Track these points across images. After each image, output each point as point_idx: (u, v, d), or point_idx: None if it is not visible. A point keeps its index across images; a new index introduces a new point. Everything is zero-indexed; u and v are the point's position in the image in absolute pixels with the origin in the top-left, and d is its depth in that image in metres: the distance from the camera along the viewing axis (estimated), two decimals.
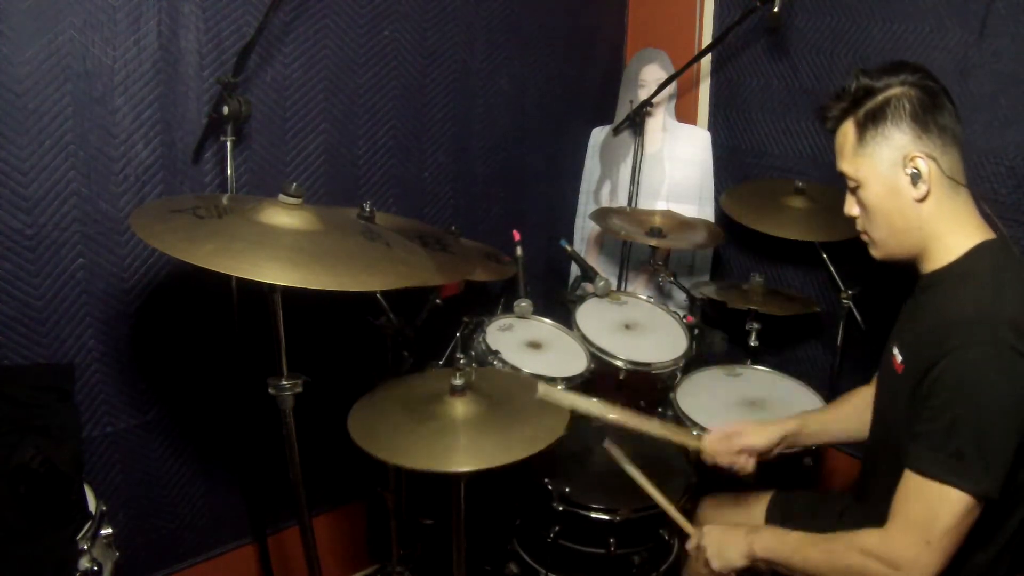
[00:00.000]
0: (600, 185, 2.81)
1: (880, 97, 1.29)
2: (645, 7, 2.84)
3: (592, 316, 2.22)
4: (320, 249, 1.33)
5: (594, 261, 2.78)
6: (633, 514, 1.77)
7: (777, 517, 1.67)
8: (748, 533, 1.43)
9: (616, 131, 2.69)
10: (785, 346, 2.53)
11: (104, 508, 1.51)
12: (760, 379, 2.19)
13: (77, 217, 1.76)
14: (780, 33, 2.38)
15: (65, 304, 1.79)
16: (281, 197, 1.38)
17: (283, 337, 1.42)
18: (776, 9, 2.08)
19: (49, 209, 1.72)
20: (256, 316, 1.58)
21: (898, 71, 1.30)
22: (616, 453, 1.64)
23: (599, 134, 2.85)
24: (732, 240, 2.56)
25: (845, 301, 2.19)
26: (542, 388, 1.56)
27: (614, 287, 2.49)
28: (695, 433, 1.71)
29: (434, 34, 2.30)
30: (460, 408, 1.53)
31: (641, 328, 2.22)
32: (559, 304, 2.39)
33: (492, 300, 2.35)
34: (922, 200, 1.29)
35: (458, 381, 1.53)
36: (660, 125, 2.65)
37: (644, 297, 2.39)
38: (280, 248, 1.29)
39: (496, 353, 1.96)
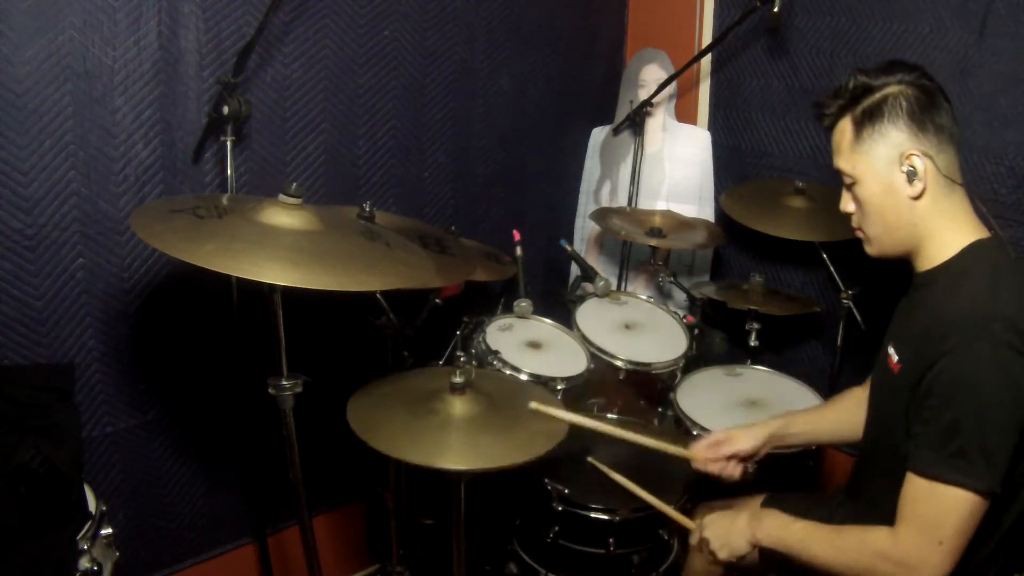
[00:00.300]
0: (600, 185, 2.81)
1: (878, 95, 1.30)
2: (645, 7, 2.84)
3: (592, 316, 2.22)
4: (320, 249, 1.33)
5: (594, 261, 2.78)
6: (632, 514, 1.77)
7: None
8: (751, 519, 1.43)
9: (616, 131, 2.69)
10: (785, 346, 2.53)
11: (104, 508, 1.51)
12: (760, 379, 2.19)
13: (77, 217, 1.76)
14: (780, 33, 2.38)
15: (65, 304, 1.79)
16: (281, 197, 1.38)
17: (283, 337, 1.42)
18: (776, 9, 2.08)
19: (49, 209, 1.72)
20: (256, 316, 1.58)
21: (895, 70, 1.31)
22: (603, 468, 1.65)
23: (599, 134, 2.85)
24: (732, 240, 2.56)
25: (845, 301, 2.19)
26: (535, 402, 1.59)
27: (614, 287, 2.49)
28: (691, 436, 1.71)
29: (434, 34, 2.30)
30: (459, 407, 1.53)
31: (641, 328, 2.22)
32: (559, 304, 2.39)
33: (492, 300, 2.35)
34: (917, 198, 1.29)
35: (458, 379, 1.53)
36: (660, 125, 2.65)
37: (644, 297, 2.39)
38: (280, 248, 1.29)
39: (496, 353, 1.96)
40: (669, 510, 1.62)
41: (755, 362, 2.26)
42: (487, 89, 2.50)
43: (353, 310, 2.02)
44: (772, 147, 2.51)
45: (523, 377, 1.92)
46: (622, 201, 2.64)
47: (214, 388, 2.04)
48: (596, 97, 2.85)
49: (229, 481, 2.17)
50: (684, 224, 2.43)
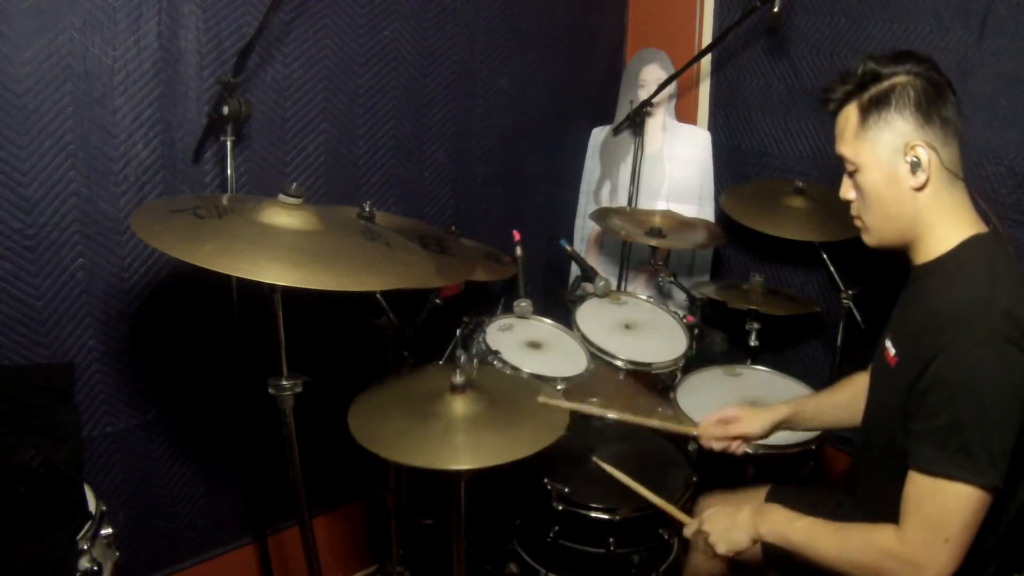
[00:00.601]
0: (600, 185, 2.81)
1: (886, 83, 1.30)
2: (645, 7, 2.83)
3: (592, 316, 2.22)
4: (320, 249, 1.33)
5: (594, 261, 2.78)
6: (633, 513, 1.77)
7: None
8: (754, 514, 1.42)
9: (616, 131, 2.69)
10: (785, 346, 2.53)
11: (104, 508, 1.51)
12: (760, 379, 2.19)
13: (77, 217, 1.76)
14: (780, 33, 2.38)
15: (65, 304, 1.79)
16: (281, 197, 1.38)
17: (283, 337, 1.43)
18: (776, 9, 2.08)
19: (49, 209, 1.72)
20: (256, 316, 1.58)
21: (906, 60, 1.30)
22: (606, 467, 1.66)
23: (599, 134, 2.85)
24: (732, 240, 2.56)
25: (845, 301, 2.19)
26: (542, 396, 1.61)
27: (614, 287, 2.49)
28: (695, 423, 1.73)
29: (434, 34, 2.30)
30: (460, 406, 1.53)
31: (641, 328, 2.22)
32: (559, 304, 2.39)
33: (492, 300, 2.35)
34: (919, 189, 1.29)
35: (458, 379, 1.53)
36: (660, 125, 2.65)
37: (644, 297, 2.39)
38: (280, 248, 1.29)
39: (496, 353, 1.96)
40: (670, 508, 1.62)
41: (755, 362, 2.26)
42: (487, 89, 2.50)
43: (353, 310, 2.02)
44: (772, 147, 2.51)
45: (523, 375, 1.92)
46: (622, 201, 2.64)
47: (214, 388, 2.04)
48: (596, 97, 2.85)
49: (229, 481, 2.17)
50: (684, 224, 2.43)
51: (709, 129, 2.66)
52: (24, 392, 1.64)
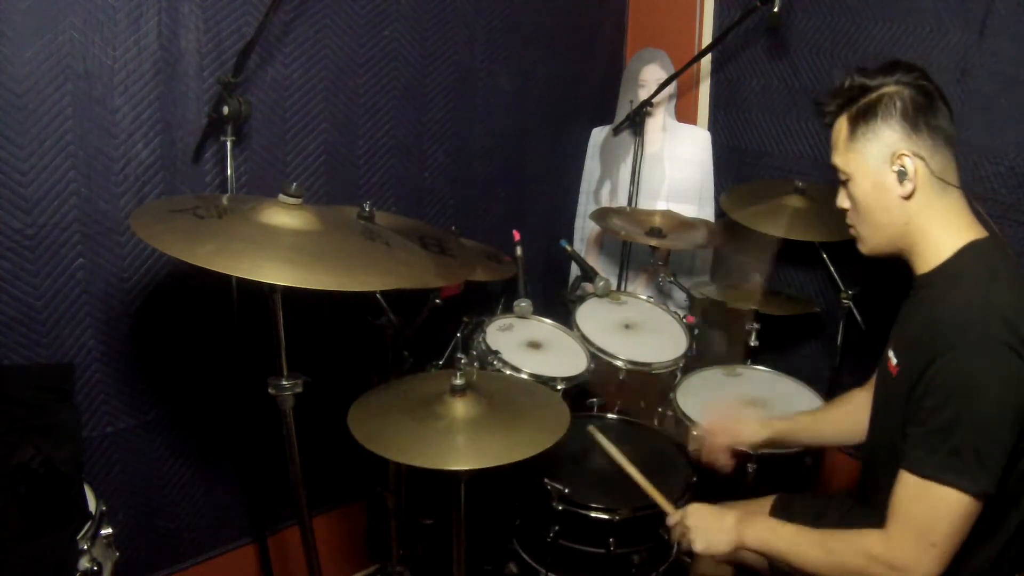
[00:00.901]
0: (600, 185, 2.81)
1: (874, 95, 1.31)
2: (645, 7, 2.84)
3: (592, 316, 2.22)
4: (320, 249, 1.33)
5: (594, 261, 2.78)
6: (633, 514, 1.77)
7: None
8: (739, 521, 1.41)
9: (616, 131, 2.69)
10: (785, 346, 2.52)
11: (104, 508, 1.51)
12: (760, 379, 2.19)
13: (77, 217, 1.76)
14: (780, 33, 2.38)
15: (65, 304, 1.79)
16: (281, 197, 1.38)
17: (283, 337, 1.42)
18: (776, 9, 2.08)
19: (49, 209, 1.72)
20: (256, 316, 1.58)
21: (894, 70, 1.31)
22: (600, 438, 1.69)
23: (599, 134, 2.85)
24: (732, 240, 2.56)
25: (845, 301, 2.19)
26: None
27: (614, 287, 2.49)
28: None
29: (434, 34, 2.30)
30: (460, 408, 1.52)
31: (641, 328, 2.23)
32: (559, 304, 2.40)
33: (492, 300, 2.35)
34: (907, 198, 1.30)
35: (459, 381, 1.53)
36: (660, 125, 2.65)
37: (644, 297, 2.39)
38: (280, 248, 1.29)
39: (496, 353, 1.96)
40: (651, 489, 1.63)
41: (755, 362, 2.26)
42: (487, 89, 2.50)
43: (353, 310, 2.02)
44: (772, 147, 2.51)
45: (523, 377, 1.92)
46: (622, 201, 2.64)
47: (214, 388, 2.04)
48: (596, 97, 2.85)
49: (229, 481, 2.17)
50: (684, 224, 2.43)
51: (709, 129, 2.66)
52: (24, 392, 1.64)
